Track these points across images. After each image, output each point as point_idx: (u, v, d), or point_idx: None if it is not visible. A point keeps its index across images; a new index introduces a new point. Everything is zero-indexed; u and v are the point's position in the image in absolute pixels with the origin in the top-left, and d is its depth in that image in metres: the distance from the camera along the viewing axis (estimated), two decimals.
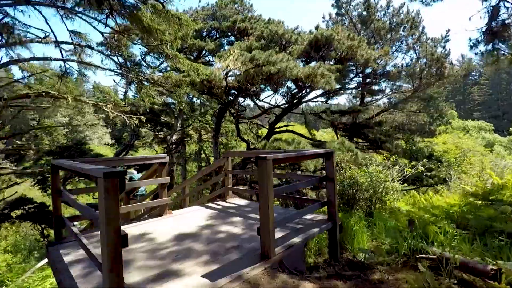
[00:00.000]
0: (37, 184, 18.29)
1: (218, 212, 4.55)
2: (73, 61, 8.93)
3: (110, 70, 8.57)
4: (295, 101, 11.59)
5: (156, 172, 4.52)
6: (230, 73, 9.13)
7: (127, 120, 8.08)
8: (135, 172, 8.17)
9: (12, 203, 11.33)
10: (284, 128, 11.95)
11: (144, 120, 8.59)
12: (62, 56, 8.70)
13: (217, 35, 16.24)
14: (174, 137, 14.63)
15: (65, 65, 9.47)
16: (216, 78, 9.36)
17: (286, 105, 12.63)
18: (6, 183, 25.75)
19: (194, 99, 20.91)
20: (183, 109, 12.46)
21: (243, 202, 5.22)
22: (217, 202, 5.19)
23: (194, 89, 10.61)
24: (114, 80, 12.19)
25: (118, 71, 8.76)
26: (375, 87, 12.12)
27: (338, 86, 10.86)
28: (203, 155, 28.08)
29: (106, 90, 9.86)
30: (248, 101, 12.24)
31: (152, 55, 15.22)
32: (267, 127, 12.59)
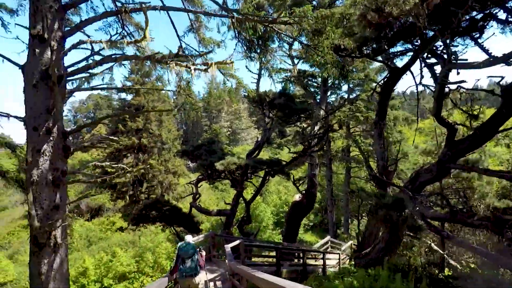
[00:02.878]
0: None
1: None
2: None
3: None
4: None
5: None
6: None
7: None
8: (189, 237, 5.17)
9: (149, 204, 11.01)
10: None
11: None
12: None
13: None
14: (316, 128, 10.52)
15: None
16: None
17: None
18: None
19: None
20: (331, 77, 8.04)
21: None
22: None
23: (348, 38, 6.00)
24: (246, 67, 9.57)
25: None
26: None
27: None
28: (353, 154, 22.60)
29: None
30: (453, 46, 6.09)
31: None
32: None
